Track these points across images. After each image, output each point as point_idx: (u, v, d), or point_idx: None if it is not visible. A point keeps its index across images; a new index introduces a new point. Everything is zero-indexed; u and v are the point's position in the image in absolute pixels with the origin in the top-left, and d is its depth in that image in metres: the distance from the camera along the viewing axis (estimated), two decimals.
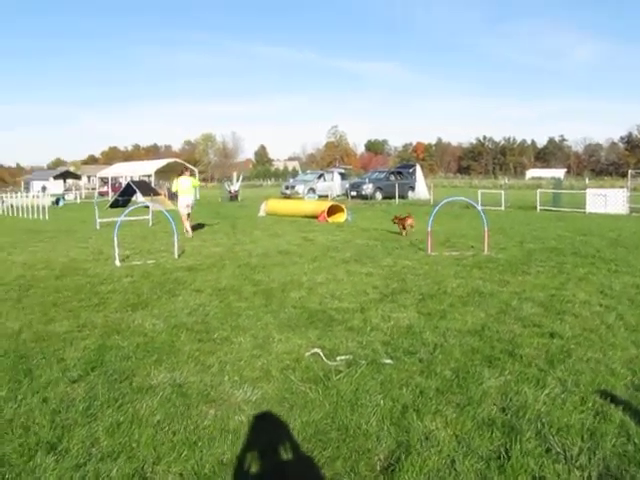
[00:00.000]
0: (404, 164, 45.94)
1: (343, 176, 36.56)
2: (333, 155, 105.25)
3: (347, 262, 9.01)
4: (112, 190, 41.57)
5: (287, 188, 34.98)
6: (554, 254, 9.50)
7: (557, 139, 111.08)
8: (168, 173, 39.37)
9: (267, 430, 3.26)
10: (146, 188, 26.89)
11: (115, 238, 9.33)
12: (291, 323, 5.42)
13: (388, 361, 4.29)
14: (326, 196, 31.73)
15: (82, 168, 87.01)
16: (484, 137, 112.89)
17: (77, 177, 63.45)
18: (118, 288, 7.23)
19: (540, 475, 2.73)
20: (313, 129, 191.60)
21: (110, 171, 50.37)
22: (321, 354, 4.42)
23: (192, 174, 17.02)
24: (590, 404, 3.46)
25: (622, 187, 22.70)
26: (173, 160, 46.62)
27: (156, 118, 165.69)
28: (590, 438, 3.05)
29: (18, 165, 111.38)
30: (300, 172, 56.33)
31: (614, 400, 3.48)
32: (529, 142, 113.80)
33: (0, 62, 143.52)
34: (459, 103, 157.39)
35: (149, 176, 40.48)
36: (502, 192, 22.63)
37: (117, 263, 9.06)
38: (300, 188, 33.50)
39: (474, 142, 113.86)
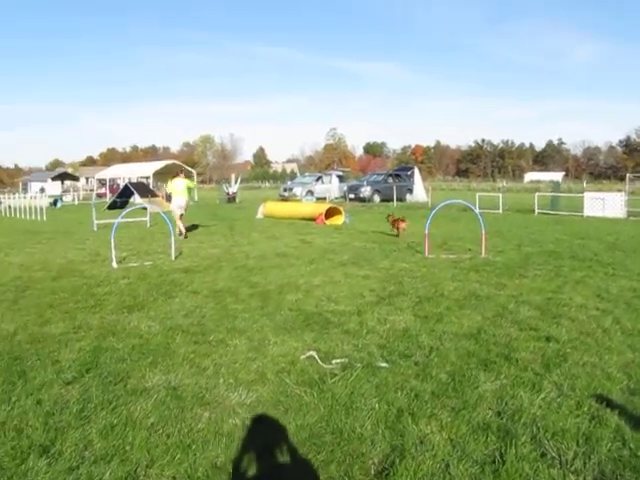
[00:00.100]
0: (402, 167, 45.99)
1: (341, 178, 36.59)
2: (331, 157, 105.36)
3: (344, 265, 9.00)
4: (110, 192, 41.48)
5: (285, 190, 35.01)
6: (551, 257, 9.50)
7: (556, 142, 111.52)
8: (166, 175, 39.11)
9: (261, 433, 3.24)
10: (144, 190, 26.90)
11: (112, 240, 9.31)
12: (287, 326, 5.41)
13: (384, 364, 4.27)
14: (324, 198, 31.74)
15: (80, 169, 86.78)
16: (482, 140, 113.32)
17: (75, 178, 63.17)
18: (114, 290, 7.21)
19: None
20: (312, 130, 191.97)
21: (108, 173, 50.26)
22: (316, 357, 4.41)
23: (188, 176, 17.00)
24: (586, 408, 3.45)
25: (620, 191, 22.73)
26: (171, 162, 46.51)
27: (155, 119, 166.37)
28: (585, 443, 3.04)
29: (16, 166, 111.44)
30: (298, 174, 56.35)
31: (610, 404, 3.47)
32: (527, 145, 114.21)
33: None
34: (459, 103, 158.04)
35: (147, 178, 40.44)
36: (500, 195, 22.65)
37: (114, 265, 9.04)
38: (298, 190, 33.52)
39: (472, 145, 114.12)
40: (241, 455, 2.98)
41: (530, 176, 79.31)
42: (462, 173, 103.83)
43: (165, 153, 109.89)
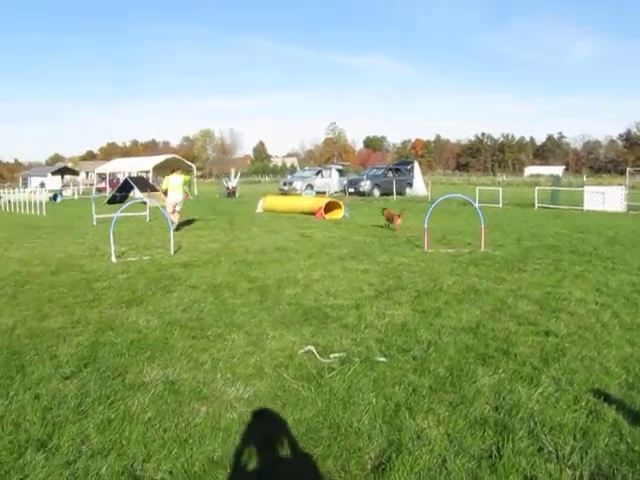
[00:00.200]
0: (402, 161, 45.92)
1: (341, 173, 36.52)
2: (331, 151, 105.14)
3: (343, 259, 8.99)
4: (110, 186, 41.41)
5: (285, 184, 34.97)
6: (551, 251, 9.49)
7: (556, 136, 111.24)
8: (166, 169, 38.96)
9: (259, 428, 3.24)
10: (144, 184, 26.83)
11: (111, 234, 9.30)
12: (285, 320, 5.40)
13: (382, 359, 4.27)
14: (324, 193, 31.67)
15: (80, 164, 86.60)
16: (483, 134, 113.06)
17: (75, 173, 62.96)
18: (113, 284, 7.21)
19: (532, 474, 2.72)
20: (312, 125, 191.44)
21: (108, 167, 50.10)
22: (314, 351, 4.41)
23: (185, 171, 16.99)
24: (583, 403, 3.44)
25: (620, 185, 22.69)
26: (171, 156, 46.41)
27: (155, 114, 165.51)
28: (583, 437, 3.04)
29: (16, 161, 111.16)
30: (298, 168, 56.30)
31: (608, 399, 3.47)
32: (528, 139, 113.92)
33: None
34: (459, 98, 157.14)
35: (147, 172, 40.35)
36: (500, 189, 22.62)
37: (113, 259, 9.04)
38: (298, 184, 33.49)
39: (473, 139, 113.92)
40: (238, 449, 2.98)
41: (530, 170, 79.10)
42: (462, 167, 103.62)
43: (165, 148, 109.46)
